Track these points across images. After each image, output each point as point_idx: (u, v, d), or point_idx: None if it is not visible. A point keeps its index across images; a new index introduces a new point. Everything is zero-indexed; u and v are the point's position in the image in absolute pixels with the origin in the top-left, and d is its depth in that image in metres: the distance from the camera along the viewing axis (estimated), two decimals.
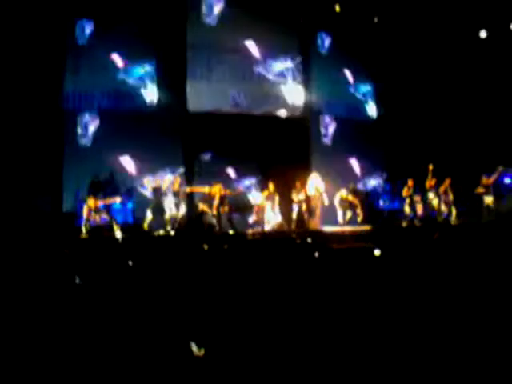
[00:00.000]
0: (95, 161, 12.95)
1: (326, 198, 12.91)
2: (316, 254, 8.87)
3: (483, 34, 14.93)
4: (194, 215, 12.30)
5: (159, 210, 11.66)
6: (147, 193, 12.11)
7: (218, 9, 14.88)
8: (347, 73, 16.04)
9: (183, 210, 12.12)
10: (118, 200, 11.95)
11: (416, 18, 15.02)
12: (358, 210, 12.94)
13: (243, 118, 14.52)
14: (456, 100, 14.52)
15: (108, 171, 12.77)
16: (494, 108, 14.32)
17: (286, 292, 5.10)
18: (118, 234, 11.08)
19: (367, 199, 14.41)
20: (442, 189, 12.45)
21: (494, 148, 13.63)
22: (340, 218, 13.02)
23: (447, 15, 14.73)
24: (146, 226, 11.50)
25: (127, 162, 13.14)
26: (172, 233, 11.39)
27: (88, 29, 13.74)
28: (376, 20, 15.86)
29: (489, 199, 12.49)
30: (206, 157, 14.00)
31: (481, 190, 12.63)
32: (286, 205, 13.12)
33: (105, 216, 11.36)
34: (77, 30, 13.66)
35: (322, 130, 15.63)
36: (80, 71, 13.59)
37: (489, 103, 14.39)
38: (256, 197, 13.48)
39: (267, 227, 12.35)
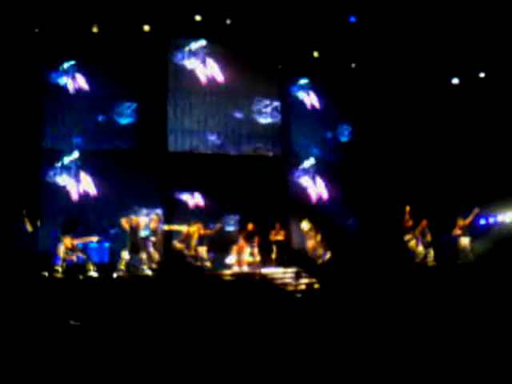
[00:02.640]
0: (73, 201, 12.92)
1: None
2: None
3: (455, 80, 15.46)
4: (171, 255, 12.17)
5: (136, 250, 11.51)
6: (125, 232, 11.97)
7: (198, 53, 15.22)
8: (325, 116, 16.36)
9: (160, 249, 12.00)
10: (94, 239, 11.80)
11: (392, 64, 15.51)
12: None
13: (223, 158, 14.69)
14: (432, 143, 14.86)
15: (85, 210, 12.67)
16: (469, 151, 14.67)
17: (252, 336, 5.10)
18: (94, 273, 10.90)
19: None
20: (418, 230, 12.58)
21: (470, 190, 13.89)
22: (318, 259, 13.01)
23: (422, 62, 15.25)
24: (122, 265, 11.32)
25: (105, 201, 13.07)
26: (149, 273, 11.23)
27: (71, 70, 13.90)
28: (354, 66, 16.31)
29: (465, 240, 12.64)
30: (185, 196, 14.01)
31: (457, 231, 12.79)
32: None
33: (81, 255, 11.18)
34: (59, 71, 13.82)
35: (299, 173, 15.80)
36: (60, 111, 13.69)
37: (464, 146, 14.75)
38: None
39: (245, 267, 12.26)
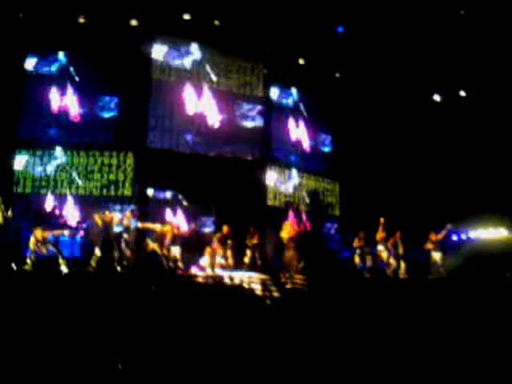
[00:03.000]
0: (47, 192, 12.73)
1: None
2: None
3: (437, 97, 15.68)
4: (143, 253, 12.04)
5: (108, 246, 11.35)
6: (97, 227, 11.81)
7: (183, 52, 15.16)
8: (307, 123, 16.44)
9: (133, 247, 11.88)
10: (66, 233, 11.61)
11: (377, 76, 15.66)
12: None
13: (201, 159, 14.63)
14: (410, 157, 15.05)
15: (58, 203, 12.47)
16: (445, 167, 14.89)
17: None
18: (64, 268, 10.71)
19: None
20: (391, 241, 12.68)
21: (443, 206, 14.09)
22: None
23: (405, 77, 15.43)
24: (93, 262, 11.14)
25: (79, 195, 12.90)
26: (119, 269, 11.08)
27: (53, 59, 13.74)
28: (338, 75, 16.44)
29: (436, 255, 12.77)
30: (161, 194, 13.91)
31: (429, 245, 12.92)
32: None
33: (52, 248, 10.99)
34: (41, 60, 13.64)
35: (278, 177, 15.82)
36: (40, 101, 13.50)
37: (440, 163, 14.97)
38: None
39: (218, 270, 12.19)
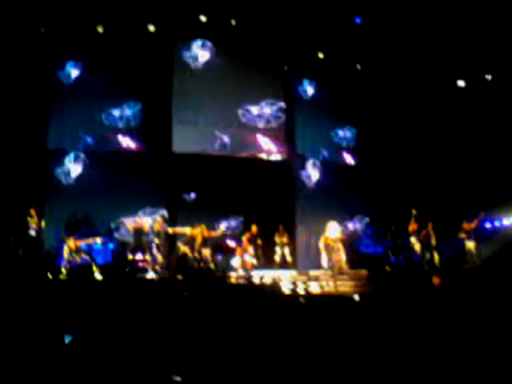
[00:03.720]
0: (78, 201, 12.89)
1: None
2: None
3: (461, 83, 15.36)
4: (175, 257, 12.14)
5: (140, 252, 11.50)
6: (129, 234, 11.96)
7: (204, 55, 15.20)
8: (330, 118, 16.31)
9: (164, 252, 11.99)
10: (98, 240, 11.79)
11: (398, 66, 15.44)
12: (341, 254, 12.87)
13: (228, 161, 14.65)
14: (438, 146, 14.79)
15: (89, 211, 12.63)
16: (475, 154, 14.59)
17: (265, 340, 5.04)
18: (98, 275, 10.89)
19: (351, 243, 14.37)
20: (423, 233, 12.51)
21: (475, 194, 13.82)
22: (324, 262, 12.94)
23: (427, 64, 15.17)
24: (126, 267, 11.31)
25: (110, 203, 13.03)
26: (153, 275, 11.21)
27: (76, 70, 13.93)
28: (359, 67, 16.25)
29: (470, 244, 12.58)
30: (190, 198, 13.98)
31: (463, 235, 12.73)
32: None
33: (85, 256, 11.18)
34: (64, 70, 13.84)
35: (306, 174, 15.73)
36: (66, 112, 13.69)
37: (470, 150, 14.67)
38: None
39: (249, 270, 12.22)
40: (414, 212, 12.54)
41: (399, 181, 14.64)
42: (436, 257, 12.61)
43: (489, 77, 15.21)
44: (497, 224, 13.96)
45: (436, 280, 7.96)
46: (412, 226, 12.55)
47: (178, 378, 4.50)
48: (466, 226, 12.67)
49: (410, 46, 15.05)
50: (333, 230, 12.78)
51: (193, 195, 14.04)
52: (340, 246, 12.58)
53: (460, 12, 14.18)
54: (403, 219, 12.92)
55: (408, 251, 12.63)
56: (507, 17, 13.77)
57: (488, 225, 13.79)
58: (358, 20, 15.77)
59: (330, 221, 12.96)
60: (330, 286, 11.42)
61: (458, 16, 14.23)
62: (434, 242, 12.63)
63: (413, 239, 12.56)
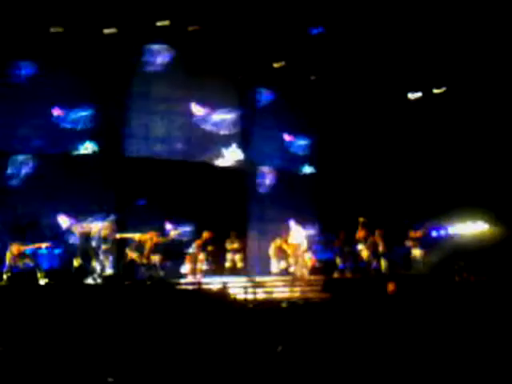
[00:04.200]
0: (24, 205, 12.57)
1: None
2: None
3: (412, 95, 15.78)
4: (123, 263, 11.96)
5: (87, 257, 11.28)
6: (75, 238, 11.72)
7: (161, 60, 15.11)
8: (285, 126, 16.48)
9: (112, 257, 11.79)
10: (44, 246, 11.49)
11: (353, 77, 15.73)
12: (293, 260, 12.99)
13: (180, 166, 14.58)
14: (385, 156, 15.12)
15: (36, 215, 12.32)
16: (423, 164, 14.97)
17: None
18: (42, 281, 10.61)
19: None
20: (371, 240, 12.74)
21: (423, 203, 14.18)
22: (274, 267, 13.03)
23: (381, 76, 15.53)
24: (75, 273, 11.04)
25: (57, 207, 12.75)
26: (99, 281, 11.00)
27: (28, 70, 13.61)
28: (313, 78, 16.49)
29: (417, 252, 12.89)
30: (141, 203, 13.82)
31: (410, 242, 13.05)
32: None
33: (29, 262, 10.88)
34: (16, 70, 13.51)
35: (259, 181, 15.82)
36: (16, 112, 13.35)
37: (417, 160, 15.05)
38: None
39: (199, 276, 12.16)
40: (361, 220, 12.78)
41: (350, 189, 14.88)
42: (383, 264, 12.85)
43: (438, 91, 15.65)
44: (442, 232, 14.35)
45: (390, 287, 8.09)
46: (360, 234, 12.77)
47: (111, 379, 4.49)
48: (412, 233, 12.98)
49: (364, 57, 15.36)
50: (297, 235, 12.92)
51: (144, 200, 13.87)
52: (303, 251, 12.75)
53: (413, 26, 14.62)
54: (353, 226, 13.14)
55: (356, 258, 12.84)
56: (456, 31, 14.28)
57: (434, 233, 14.16)
58: (314, 31, 16.04)
59: (293, 225, 13.11)
60: (283, 292, 11.52)
61: (411, 30, 14.66)
62: (381, 249, 12.87)
63: (360, 246, 12.78)
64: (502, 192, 13.53)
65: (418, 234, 13.01)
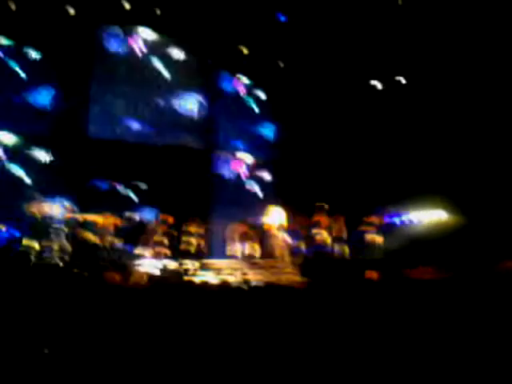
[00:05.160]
0: None
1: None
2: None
3: (377, 84, 15.94)
4: (82, 245, 11.84)
5: (47, 239, 11.14)
6: (34, 220, 11.54)
7: (126, 42, 14.92)
8: (252, 112, 16.51)
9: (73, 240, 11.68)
10: (1, 228, 11.28)
11: (320, 63, 15.80)
12: (255, 246, 13.06)
13: (144, 149, 14.48)
14: (348, 142, 15.28)
15: None
16: (385, 150, 15.17)
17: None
18: None
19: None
20: (333, 225, 12.92)
21: (383, 188, 14.38)
22: (238, 252, 13.09)
23: (347, 63, 15.64)
24: (32, 257, 10.88)
25: (15, 188, 12.54)
26: (59, 263, 10.90)
27: None
28: (281, 64, 16.51)
29: (376, 237, 13.13)
30: (103, 185, 13.70)
31: (369, 228, 13.26)
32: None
33: None
34: None
35: (224, 166, 15.84)
36: None
37: (380, 145, 15.24)
38: None
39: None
40: (323, 205, 12.93)
41: (312, 174, 14.99)
42: (345, 249, 13.07)
43: (402, 79, 15.85)
44: (401, 219, 14.62)
45: (374, 274, 8.14)
46: (322, 219, 12.93)
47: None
48: (371, 219, 13.20)
49: (331, 43, 15.45)
50: (275, 216, 12.87)
51: (107, 183, 13.75)
52: (281, 233, 12.64)
53: (380, 13, 14.76)
54: (315, 211, 13.28)
55: (318, 244, 12.98)
56: (419, 18, 14.46)
57: (394, 219, 14.42)
58: (281, 17, 16.06)
59: (271, 207, 13.06)
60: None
61: (378, 17, 14.80)
62: (344, 235, 13.07)
63: (323, 231, 12.93)
64: (462, 180, 13.79)
65: (378, 219, 13.24)
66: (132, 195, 13.70)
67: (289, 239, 12.94)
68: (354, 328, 4.67)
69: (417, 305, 5.24)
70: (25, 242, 10.79)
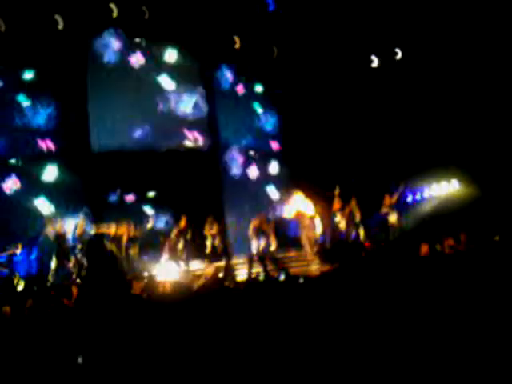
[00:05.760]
0: None
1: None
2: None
3: (375, 60, 15.68)
4: (99, 259, 11.79)
5: (65, 258, 11.12)
6: (50, 240, 11.51)
7: (118, 46, 14.77)
8: (252, 105, 16.35)
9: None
10: (18, 251, 11.27)
11: (315, 51, 15.59)
12: (271, 239, 12.96)
13: (150, 155, 14.36)
14: (354, 124, 15.08)
15: (7, 220, 12.04)
16: (392, 130, 14.99)
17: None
18: (20, 287, 10.43)
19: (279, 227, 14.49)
20: (346, 211, 12.78)
21: (395, 167, 14.21)
22: (253, 248, 13.01)
23: (342, 46, 15.43)
24: (50, 277, 10.89)
25: (30, 209, 12.50)
26: (79, 281, 10.88)
27: None
28: (275, 52, 16.30)
29: (393, 218, 12.97)
30: (114, 197, 13.63)
31: (385, 209, 13.11)
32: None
33: (4, 269, 10.69)
34: None
35: (231, 162, 15.71)
36: None
37: (387, 124, 15.05)
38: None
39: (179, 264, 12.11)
40: (336, 191, 12.78)
41: (322, 161, 14.83)
42: (362, 233, 12.93)
43: (399, 54, 15.56)
44: (417, 196, 14.46)
45: (424, 248, 8.07)
46: (336, 205, 12.79)
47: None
48: (387, 199, 13.04)
49: (325, 28, 15.23)
50: (302, 204, 12.57)
51: (117, 194, 13.68)
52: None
53: None
54: (328, 198, 13.15)
55: (333, 229, 12.86)
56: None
57: (409, 197, 14.26)
58: (271, 7, 15.84)
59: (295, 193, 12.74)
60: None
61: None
62: (358, 218, 12.93)
63: (337, 217, 12.81)
64: (475, 150, 13.55)
65: (393, 199, 13.07)
66: (143, 203, 13.62)
67: (319, 226, 12.60)
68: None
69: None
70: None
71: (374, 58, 15.78)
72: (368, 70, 15.57)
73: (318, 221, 12.16)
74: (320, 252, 11.63)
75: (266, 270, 10.76)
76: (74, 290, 8.04)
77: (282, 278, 7.90)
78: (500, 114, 12.90)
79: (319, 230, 12.28)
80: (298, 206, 12.33)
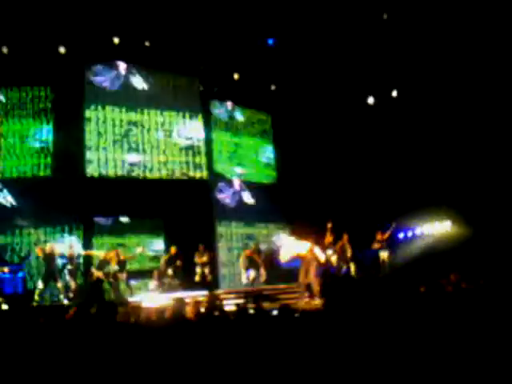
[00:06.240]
0: None
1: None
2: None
3: (371, 100, 15.92)
4: (89, 282, 11.68)
5: (52, 279, 11.00)
6: (39, 260, 11.42)
7: (117, 76, 14.97)
8: (248, 137, 16.50)
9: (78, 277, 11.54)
10: (5, 270, 11.15)
11: (312, 85, 15.83)
12: (262, 270, 12.89)
13: (145, 183, 14.38)
14: (349, 160, 15.22)
15: None
16: (386, 167, 15.10)
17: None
18: (4, 306, 10.26)
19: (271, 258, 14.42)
20: (338, 245, 12.78)
21: (388, 205, 14.27)
22: (244, 278, 12.94)
23: (340, 82, 15.68)
24: (36, 296, 10.75)
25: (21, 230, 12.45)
26: (65, 302, 10.73)
27: None
28: (273, 87, 16.57)
29: (384, 254, 12.97)
30: (106, 222, 13.58)
31: (376, 245, 13.12)
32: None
33: None
34: None
35: (225, 192, 15.75)
36: None
37: (381, 162, 15.18)
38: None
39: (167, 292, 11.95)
40: (329, 225, 12.78)
41: (316, 195, 14.89)
42: (352, 268, 12.89)
43: (395, 94, 15.83)
44: (409, 234, 14.48)
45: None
46: (328, 239, 12.78)
47: None
48: (379, 236, 13.07)
49: (323, 65, 15.49)
50: (296, 246, 11.66)
51: (109, 219, 13.64)
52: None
53: (364, 30, 14.82)
54: (320, 232, 13.13)
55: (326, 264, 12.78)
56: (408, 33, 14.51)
57: (401, 234, 14.27)
58: (270, 42, 16.13)
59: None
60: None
61: (363, 34, 14.85)
62: (349, 253, 12.92)
63: (329, 252, 12.78)
64: (468, 191, 13.62)
65: (385, 236, 13.10)
66: (136, 229, 13.55)
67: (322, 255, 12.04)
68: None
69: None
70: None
71: (369, 97, 15.99)
72: (363, 110, 15.79)
73: (318, 249, 11.70)
74: (310, 286, 11.49)
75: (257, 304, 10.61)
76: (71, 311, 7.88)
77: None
78: (492, 156, 13.04)
79: (323, 257, 11.74)
80: (292, 249, 12.08)
